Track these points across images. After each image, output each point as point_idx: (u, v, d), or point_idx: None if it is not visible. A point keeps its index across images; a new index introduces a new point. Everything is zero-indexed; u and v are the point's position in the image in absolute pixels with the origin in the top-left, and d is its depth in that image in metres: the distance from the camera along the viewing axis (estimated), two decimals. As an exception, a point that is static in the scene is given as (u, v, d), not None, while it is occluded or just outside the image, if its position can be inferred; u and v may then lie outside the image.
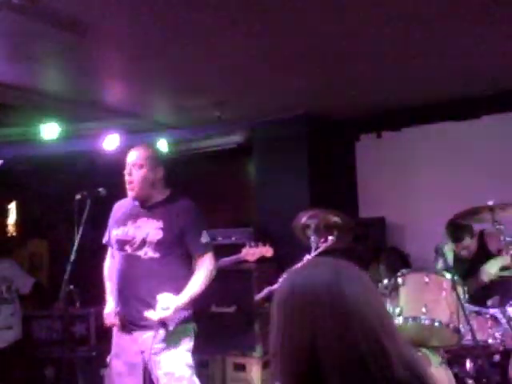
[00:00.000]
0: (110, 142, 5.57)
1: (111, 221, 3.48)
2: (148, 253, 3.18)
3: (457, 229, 4.27)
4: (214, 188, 6.57)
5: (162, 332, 3.07)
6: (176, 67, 4.51)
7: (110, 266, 3.47)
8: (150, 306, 3.02)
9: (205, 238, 3.24)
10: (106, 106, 5.43)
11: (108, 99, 5.33)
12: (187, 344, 3.21)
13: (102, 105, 5.39)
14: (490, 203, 3.51)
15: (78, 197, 3.48)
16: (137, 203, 3.37)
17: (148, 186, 3.30)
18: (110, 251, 3.53)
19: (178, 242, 3.21)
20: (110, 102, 5.39)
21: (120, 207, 3.48)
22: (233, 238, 5.26)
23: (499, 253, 4.06)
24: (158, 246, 3.18)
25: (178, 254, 3.22)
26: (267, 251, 4.34)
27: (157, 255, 3.17)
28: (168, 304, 2.98)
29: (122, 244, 3.29)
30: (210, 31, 3.80)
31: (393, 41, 4.08)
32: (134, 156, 3.31)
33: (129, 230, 3.28)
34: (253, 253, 4.28)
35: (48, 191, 6.75)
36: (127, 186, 3.31)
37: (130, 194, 3.32)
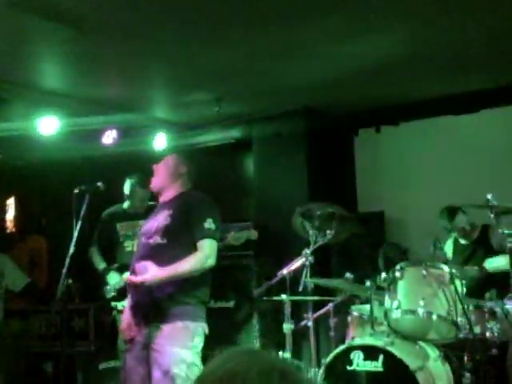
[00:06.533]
0: (109, 137, 5.57)
1: None
2: (157, 239, 3.17)
3: (448, 209, 4.57)
4: (213, 183, 6.55)
5: (165, 327, 3.04)
6: (174, 62, 4.51)
7: None
8: (153, 294, 3.02)
9: (209, 224, 3.15)
10: (105, 101, 5.41)
11: (106, 95, 5.32)
12: (194, 342, 3.07)
13: (100, 100, 5.38)
14: (489, 196, 3.52)
15: (76, 191, 3.47)
16: (161, 200, 3.41)
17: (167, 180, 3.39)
18: None
19: (186, 229, 3.16)
20: (109, 97, 5.37)
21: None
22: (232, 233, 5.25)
23: (501, 248, 4.08)
24: (166, 232, 3.15)
25: (186, 242, 3.15)
26: (252, 235, 4.26)
27: (164, 241, 3.14)
28: (151, 271, 3.02)
29: (141, 235, 3.34)
30: (209, 27, 3.80)
31: (392, 34, 4.08)
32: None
33: (148, 223, 3.32)
34: (238, 237, 4.20)
35: (47, 186, 6.74)
36: None
37: None
